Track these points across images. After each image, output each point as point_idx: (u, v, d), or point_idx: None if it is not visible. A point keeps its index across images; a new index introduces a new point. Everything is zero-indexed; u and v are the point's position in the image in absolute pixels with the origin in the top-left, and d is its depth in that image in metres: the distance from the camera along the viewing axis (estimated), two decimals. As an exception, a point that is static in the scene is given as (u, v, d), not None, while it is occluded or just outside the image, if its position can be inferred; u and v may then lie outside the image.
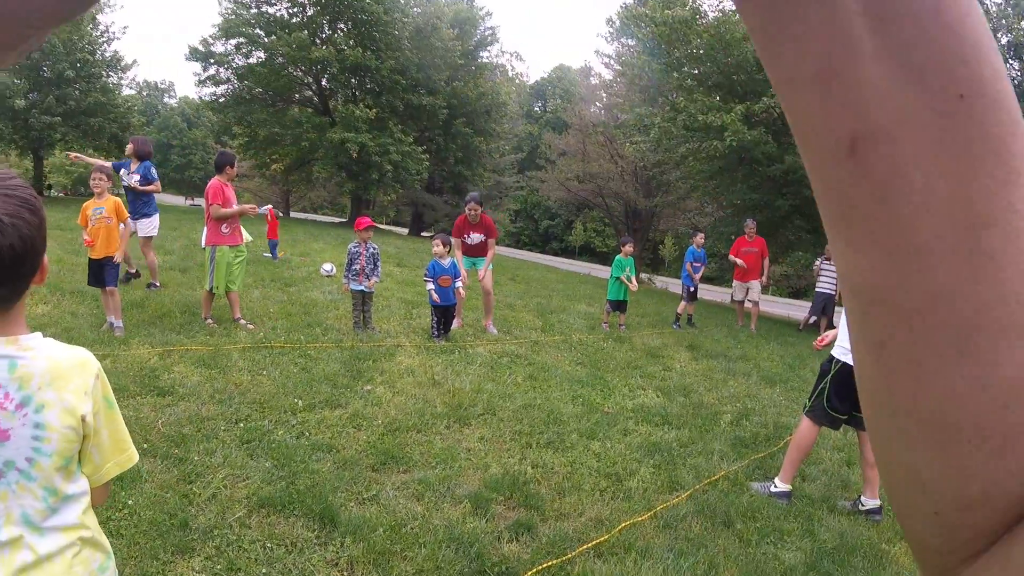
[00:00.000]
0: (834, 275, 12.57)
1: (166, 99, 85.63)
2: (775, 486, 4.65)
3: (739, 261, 12.09)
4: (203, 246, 6.96)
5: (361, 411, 4.97)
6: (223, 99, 28.95)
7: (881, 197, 0.30)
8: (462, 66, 29.01)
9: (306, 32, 25.23)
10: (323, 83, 27.95)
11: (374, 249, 7.36)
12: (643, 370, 7.72)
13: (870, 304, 0.32)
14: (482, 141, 30.70)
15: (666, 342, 9.73)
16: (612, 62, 31.45)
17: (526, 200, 50.54)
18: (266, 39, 25.92)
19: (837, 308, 12.59)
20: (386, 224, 36.99)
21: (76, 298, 7.31)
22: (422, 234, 33.47)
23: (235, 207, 6.85)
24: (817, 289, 13.12)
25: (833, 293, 12.68)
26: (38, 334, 1.32)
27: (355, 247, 7.21)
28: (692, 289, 11.66)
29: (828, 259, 12.90)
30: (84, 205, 6.32)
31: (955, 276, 0.29)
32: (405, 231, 35.28)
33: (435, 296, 7.48)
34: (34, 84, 24.37)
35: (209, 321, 6.85)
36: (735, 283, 12.60)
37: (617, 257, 10.30)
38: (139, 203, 8.24)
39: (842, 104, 0.30)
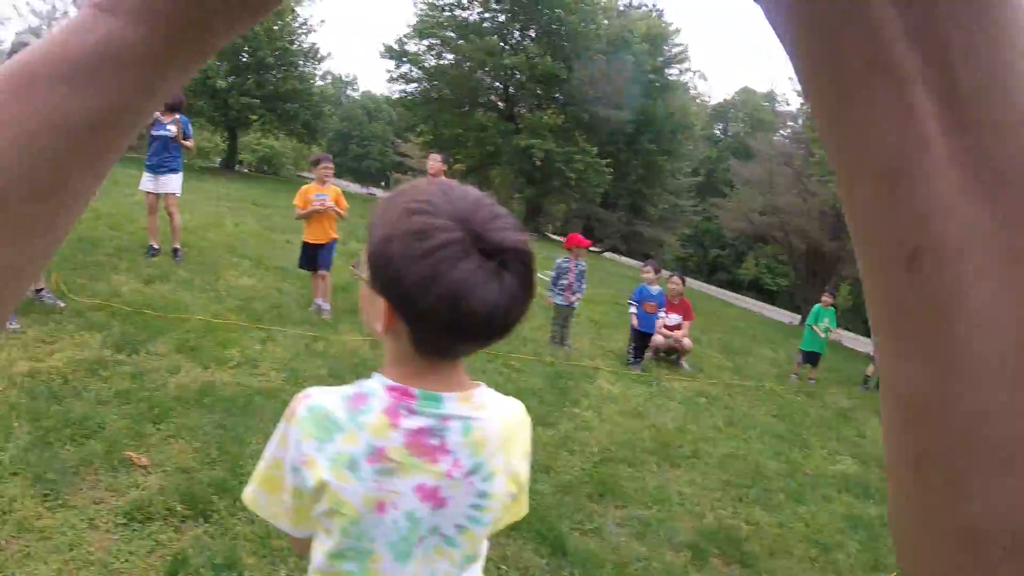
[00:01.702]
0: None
1: (349, 91, 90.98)
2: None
3: None
4: None
5: (572, 434, 4.93)
6: (411, 97, 30.31)
7: (938, 312, 0.28)
8: (651, 82, 28.66)
9: (496, 37, 25.79)
10: (510, 89, 28.57)
11: (583, 266, 7.35)
12: (838, 432, 7.21)
13: (913, 415, 0.31)
14: (665, 161, 30.20)
15: (855, 404, 9.04)
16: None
17: (698, 226, 49.07)
18: (458, 42, 26.77)
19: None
20: (552, 234, 37.36)
21: (278, 274, 7.83)
22: (591, 248, 33.40)
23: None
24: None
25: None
26: (482, 385, 1.14)
27: (565, 262, 7.23)
28: None
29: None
30: (305, 189, 6.51)
31: (1007, 396, 0.28)
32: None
33: (635, 321, 7.38)
34: (234, 68, 25.62)
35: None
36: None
37: (816, 306, 9.82)
38: (168, 156, 7.39)
39: (906, 208, 0.28)
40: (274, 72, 25.89)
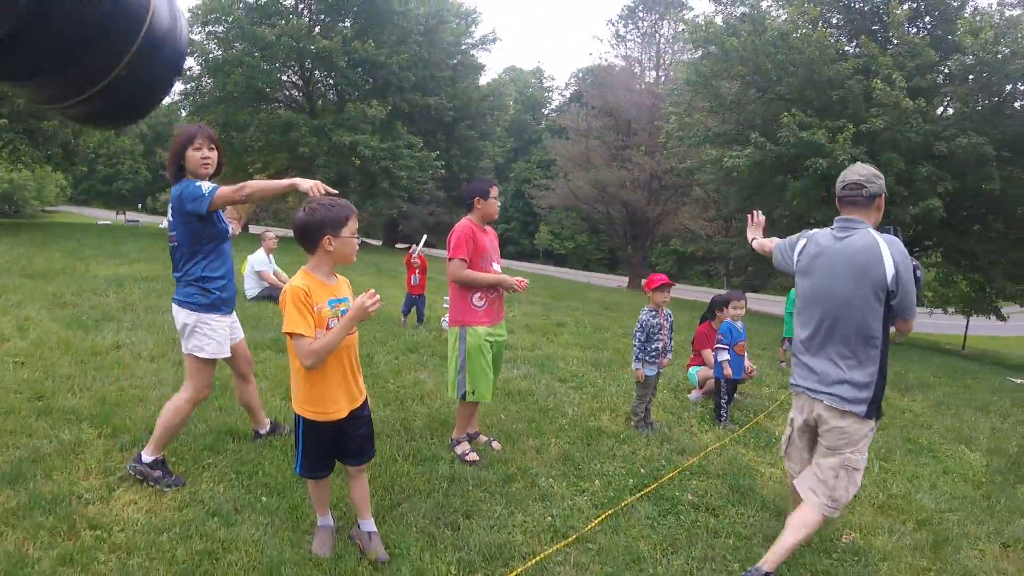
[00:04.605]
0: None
1: (83, 105, 79.81)
2: None
3: None
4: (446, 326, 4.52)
5: None
6: (195, 97, 25.36)
7: None
8: (464, 64, 26.41)
9: (300, 19, 21.91)
10: (314, 79, 24.60)
11: (671, 317, 5.21)
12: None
13: None
14: (486, 145, 28.38)
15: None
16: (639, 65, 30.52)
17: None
18: (253, 27, 21.94)
19: None
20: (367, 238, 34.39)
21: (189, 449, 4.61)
22: (397, 246, 31.04)
23: (493, 274, 4.28)
24: None
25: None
26: None
27: (652, 316, 5.01)
28: None
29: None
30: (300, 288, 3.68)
31: None
32: (377, 243, 32.81)
33: (729, 370, 5.54)
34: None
35: (466, 451, 4.22)
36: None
37: (791, 291, 8.66)
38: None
39: None
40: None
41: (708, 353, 6.43)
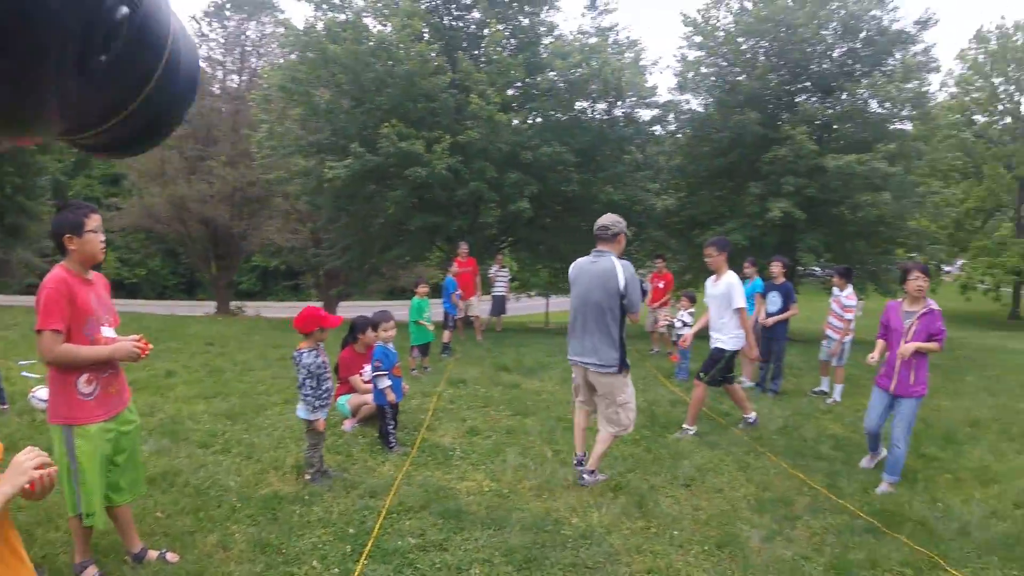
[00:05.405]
0: (505, 280, 15.05)
1: None
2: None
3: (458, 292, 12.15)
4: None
5: None
6: None
7: None
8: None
9: None
10: None
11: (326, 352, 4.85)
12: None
13: None
14: (45, 159, 23.50)
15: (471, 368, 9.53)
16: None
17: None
18: None
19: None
20: None
21: None
22: None
23: (105, 343, 3.34)
24: (494, 293, 15.01)
25: (506, 295, 15.31)
26: None
27: (315, 356, 4.56)
28: (455, 317, 11.86)
29: (502, 267, 14.93)
30: None
31: None
32: None
33: (392, 396, 5.56)
34: None
35: (91, 572, 3.34)
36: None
37: (414, 299, 9.18)
38: None
39: None
40: None
41: (356, 379, 6.31)
